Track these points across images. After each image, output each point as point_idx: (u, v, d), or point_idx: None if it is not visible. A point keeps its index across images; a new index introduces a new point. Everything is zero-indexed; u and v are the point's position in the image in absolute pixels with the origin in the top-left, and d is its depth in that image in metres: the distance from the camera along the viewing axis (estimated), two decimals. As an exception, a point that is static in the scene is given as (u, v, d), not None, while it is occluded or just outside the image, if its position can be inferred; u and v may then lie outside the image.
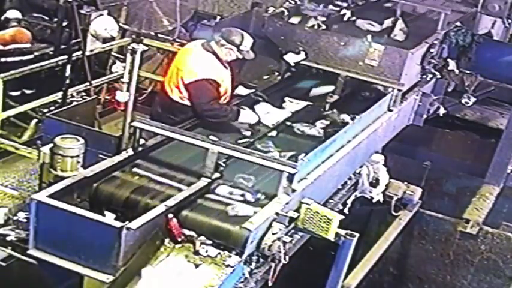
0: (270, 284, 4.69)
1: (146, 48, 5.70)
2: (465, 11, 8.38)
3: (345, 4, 8.34)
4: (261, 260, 4.59)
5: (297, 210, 4.82)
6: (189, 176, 4.95)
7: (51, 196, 4.26)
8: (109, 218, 4.37)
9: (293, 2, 7.84)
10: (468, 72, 7.84)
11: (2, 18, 8.72)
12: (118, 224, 4.09)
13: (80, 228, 4.13)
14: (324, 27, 7.41)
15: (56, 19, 8.62)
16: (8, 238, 5.07)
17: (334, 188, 5.89)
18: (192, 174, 4.96)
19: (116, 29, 8.39)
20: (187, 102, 5.91)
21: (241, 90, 6.47)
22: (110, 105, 8.62)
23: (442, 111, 7.83)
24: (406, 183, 6.90)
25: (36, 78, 8.32)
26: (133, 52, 5.41)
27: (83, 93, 7.88)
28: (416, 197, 6.99)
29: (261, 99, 6.43)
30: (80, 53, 8.01)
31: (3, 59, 8.31)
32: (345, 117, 6.37)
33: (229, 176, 4.99)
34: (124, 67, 8.32)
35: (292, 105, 6.54)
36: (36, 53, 8.64)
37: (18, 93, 8.48)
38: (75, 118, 5.99)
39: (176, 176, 4.96)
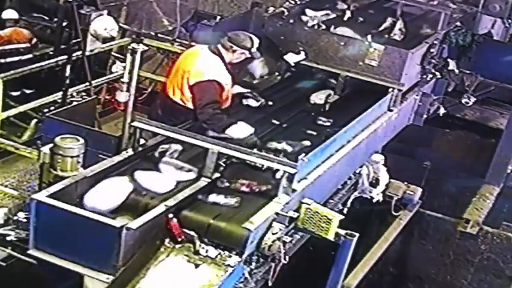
0: (270, 284, 4.69)
1: (146, 48, 5.69)
2: (465, 11, 8.38)
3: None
4: (261, 260, 4.59)
5: (297, 210, 4.81)
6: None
7: (51, 196, 4.25)
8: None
9: (293, 2, 7.83)
10: (468, 72, 7.83)
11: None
12: (118, 224, 4.09)
13: (80, 228, 4.13)
14: (324, 27, 7.41)
15: (56, 19, 8.63)
16: (8, 238, 5.07)
17: (334, 188, 5.89)
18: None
19: (116, 29, 8.38)
20: (190, 105, 5.82)
21: (236, 89, 6.36)
22: (110, 105, 8.63)
23: (442, 111, 7.83)
24: (406, 183, 6.91)
25: (36, 78, 8.32)
26: (134, 52, 5.39)
27: (83, 93, 7.88)
28: (416, 197, 7.00)
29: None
30: (80, 53, 8.01)
31: (1, 60, 8.31)
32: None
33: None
34: (124, 67, 8.35)
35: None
36: (36, 53, 8.64)
37: (18, 93, 8.48)
38: (75, 118, 5.99)
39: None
